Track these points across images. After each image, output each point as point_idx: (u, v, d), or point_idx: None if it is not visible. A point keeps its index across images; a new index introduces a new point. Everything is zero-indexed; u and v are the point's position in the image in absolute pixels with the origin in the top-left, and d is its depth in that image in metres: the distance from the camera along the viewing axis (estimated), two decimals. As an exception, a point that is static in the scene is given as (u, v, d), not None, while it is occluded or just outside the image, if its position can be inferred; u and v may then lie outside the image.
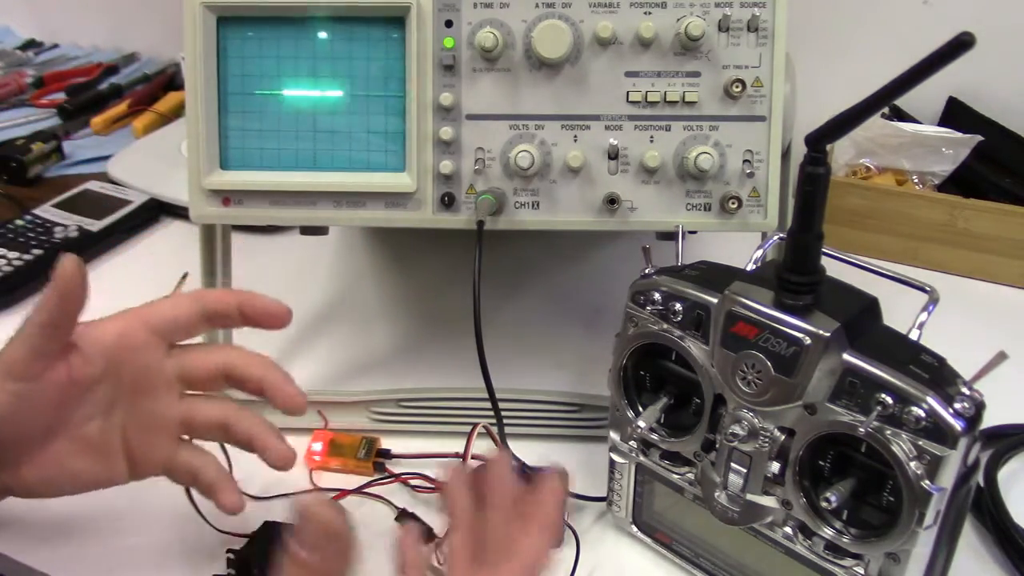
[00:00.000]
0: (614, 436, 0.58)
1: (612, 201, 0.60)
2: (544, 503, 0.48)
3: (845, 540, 0.47)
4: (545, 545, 0.47)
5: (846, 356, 0.44)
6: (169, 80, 1.35)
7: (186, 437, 0.54)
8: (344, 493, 0.62)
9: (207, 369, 0.53)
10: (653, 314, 0.52)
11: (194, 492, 0.56)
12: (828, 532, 0.48)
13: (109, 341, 0.50)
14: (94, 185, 1.03)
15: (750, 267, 0.53)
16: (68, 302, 0.46)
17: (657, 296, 0.52)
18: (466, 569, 0.45)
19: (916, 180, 0.95)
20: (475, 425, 0.60)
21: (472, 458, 0.60)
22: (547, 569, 0.47)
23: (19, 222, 0.94)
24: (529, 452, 0.61)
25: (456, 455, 0.63)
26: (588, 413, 0.68)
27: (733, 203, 0.60)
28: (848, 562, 0.48)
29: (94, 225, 0.95)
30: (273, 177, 0.61)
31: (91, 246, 0.93)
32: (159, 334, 0.51)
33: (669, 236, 0.61)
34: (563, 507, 0.49)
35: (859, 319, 0.46)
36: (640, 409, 0.56)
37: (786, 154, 0.62)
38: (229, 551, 0.57)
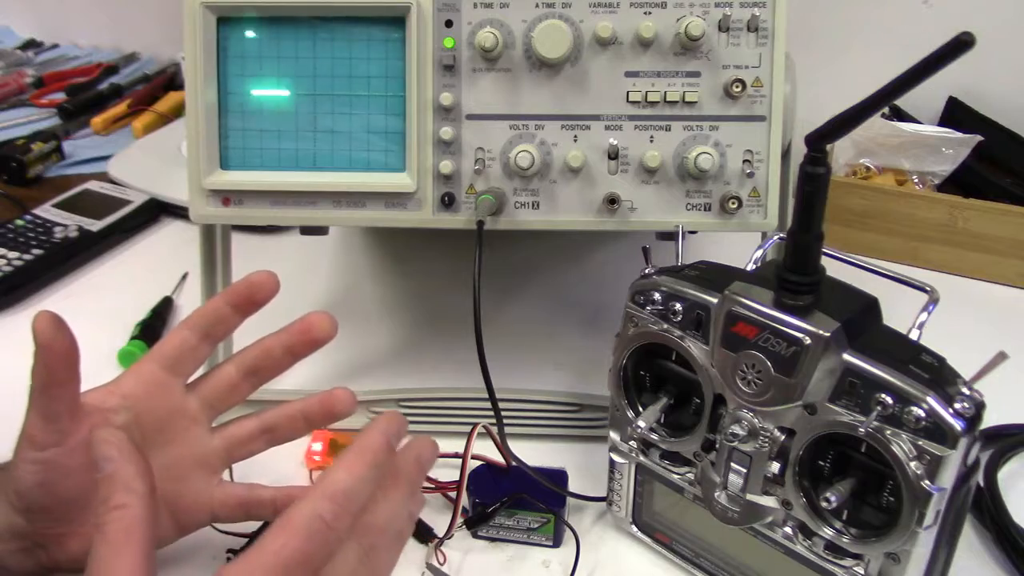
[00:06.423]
0: (614, 436, 0.58)
1: (612, 201, 0.60)
2: (405, 462, 0.44)
3: (845, 540, 0.47)
4: (401, 507, 0.42)
5: (846, 356, 0.44)
6: (169, 80, 1.35)
7: (225, 476, 0.53)
8: (344, 493, 0.62)
9: (229, 382, 0.51)
10: (653, 314, 0.52)
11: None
12: (828, 532, 0.48)
13: (127, 390, 0.48)
14: (94, 185, 1.03)
15: (750, 267, 0.53)
16: (54, 359, 0.43)
17: (657, 296, 0.52)
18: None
19: (916, 180, 0.96)
20: (475, 425, 0.60)
21: (472, 458, 0.60)
22: (405, 531, 0.44)
23: (19, 222, 0.94)
24: (529, 452, 0.61)
25: (456, 455, 0.63)
26: (588, 413, 0.68)
27: (733, 203, 0.60)
28: (848, 562, 0.48)
29: (94, 225, 0.95)
30: (273, 177, 0.61)
31: (91, 246, 0.93)
32: (171, 370, 0.50)
33: (669, 236, 0.61)
34: (425, 470, 0.45)
35: (859, 319, 0.46)
36: (640, 409, 0.56)
37: (786, 154, 0.62)
38: (229, 551, 0.57)
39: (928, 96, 1.03)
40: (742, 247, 0.58)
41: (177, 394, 0.50)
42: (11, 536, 0.46)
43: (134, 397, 0.49)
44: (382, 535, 0.41)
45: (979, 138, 0.93)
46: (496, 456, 0.61)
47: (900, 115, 1.01)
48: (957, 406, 0.42)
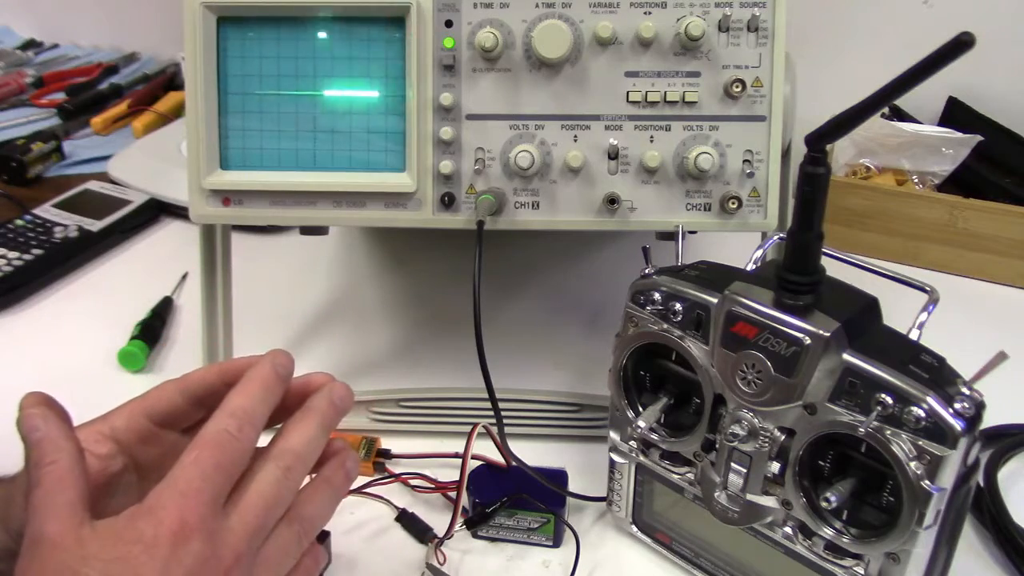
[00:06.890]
0: (614, 436, 0.58)
1: (612, 201, 0.60)
2: (319, 401, 0.46)
3: (845, 540, 0.47)
4: (315, 438, 0.45)
5: (846, 356, 0.44)
6: (169, 80, 1.35)
7: None
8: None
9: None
10: (653, 314, 0.52)
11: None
12: (828, 532, 0.48)
13: (120, 436, 0.48)
14: (94, 185, 1.03)
15: (750, 267, 0.53)
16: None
17: (657, 296, 0.52)
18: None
19: (916, 180, 0.96)
20: (475, 425, 0.60)
21: (472, 458, 0.60)
22: (334, 478, 0.46)
23: (19, 222, 0.94)
24: (529, 452, 0.61)
25: (456, 455, 0.63)
26: (588, 413, 0.68)
27: (733, 203, 0.60)
28: (848, 562, 0.48)
29: (94, 225, 0.95)
30: (273, 177, 0.61)
31: (91, 246, 0.93)
32: (163, 425, 0.49)
33: (669, 236, 0.61)
34: (340, 410, 0.47)
35: (859, 319, 0.46)
36: (640, 409, 0.56)
37: (786, 154, 0.62)
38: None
39: (928, 96, 1.03)
40: (742, 247, 0.57)
41: (172, 437, 0.50)
42: (6, 555, 0.46)
43: (127, 444, 0.48)
44: (298, 460, 0.44)
45: (979, 138, 0.93)
46: (496, 456, 0.61)
47: (900, 115, 1.01)
48: (957, 406, 0.42)
